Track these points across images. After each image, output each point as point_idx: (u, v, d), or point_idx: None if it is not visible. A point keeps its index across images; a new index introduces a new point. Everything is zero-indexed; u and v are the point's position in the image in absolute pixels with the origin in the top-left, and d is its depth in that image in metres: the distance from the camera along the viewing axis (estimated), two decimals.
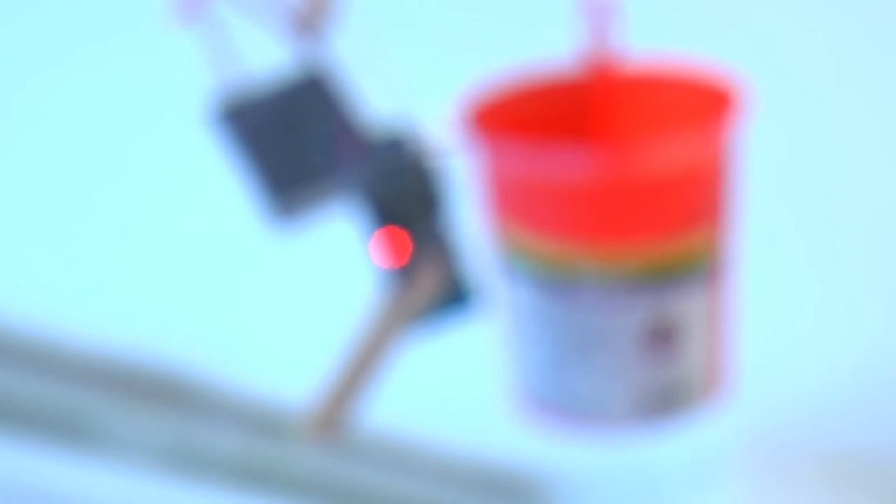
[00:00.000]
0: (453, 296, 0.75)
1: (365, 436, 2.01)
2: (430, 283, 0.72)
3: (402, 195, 0.72)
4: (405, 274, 0.72)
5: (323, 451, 1.94)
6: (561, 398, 0.76)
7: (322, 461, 1.96)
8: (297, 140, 0.81)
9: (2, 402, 1.75)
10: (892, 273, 1.63)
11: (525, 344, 0.76)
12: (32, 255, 1.60)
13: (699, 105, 0.78)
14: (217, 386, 1.87)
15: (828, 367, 1.82)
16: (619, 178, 0.70)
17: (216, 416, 1.89)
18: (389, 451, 2.04)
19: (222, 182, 1.48)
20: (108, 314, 1.71)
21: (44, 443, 1.77)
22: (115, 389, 1.81)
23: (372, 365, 0.72)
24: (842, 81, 1.35)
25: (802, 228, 1.57)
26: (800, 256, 1.62)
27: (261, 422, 1.92)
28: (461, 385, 1.87)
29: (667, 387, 0.75)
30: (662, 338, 0.74)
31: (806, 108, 1.39)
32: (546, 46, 1.28)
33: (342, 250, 1.57)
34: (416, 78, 1.31)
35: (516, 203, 0.73)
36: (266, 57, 1.16)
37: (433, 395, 1.91)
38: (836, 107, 1.39)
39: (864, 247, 1.60)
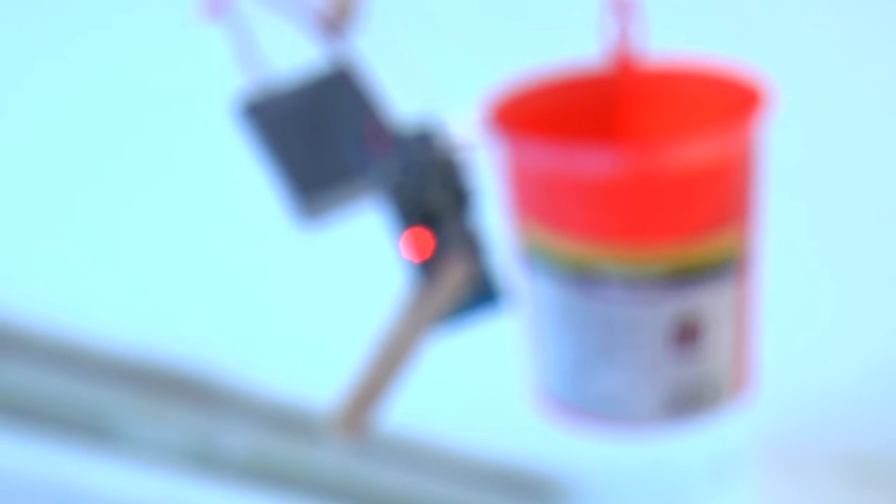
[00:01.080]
0: (481, 292, 0.74)
1: (387, 434, 2.00)
2: (457, 279, 0.72)
3: (430, 189, 0.72)
4: (432, 270, 0.72)
5: (345, 451, 1.94)
6: (584, 397, 0.75)
7: (344, 460, 1.96)
8: (322, 136, 0.80)
9: (26, 400, 1.76)
10: None
11: (548, 342, 0.76)
12: (57, 256, 1.60)
13: (724, 100, 0.77)
14: (239, 385, 1.88)
15: (844, 367, 1.82)
16: (644, 175, 0.70)
17: (238, 415, 1.89)
18: (412, 450, 2.04)
19: (246, 181, 1.48)
20: (131, 314, 1.72)
21: (67, 440, 1.78)
22: (138, 388, 1.82)
23: (398, 363, 0.71)
24: (858, 82, 1.35)
25: (817, 228, 1.56)
26: (815, 256, 1.61)
27: (283, 421, 1.92)
28: (482, 384, 1.87)
29: (694, 385, 0.74)
30: (690, 335, 0.73)
31: (823, 108, 1.39)
32: (571, 48, 1.28)
33: (368, 247, 1.57)
34: (441, 79, 1.31)
35: (538, 202, 0.73)
36: (293, 53, 1.16)
37: (455, 393, 1.90)
38: (852, 106, 1.39)
39: (880, 246, 1.59)
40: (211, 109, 1.36)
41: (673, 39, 1.26)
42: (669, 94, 0.79)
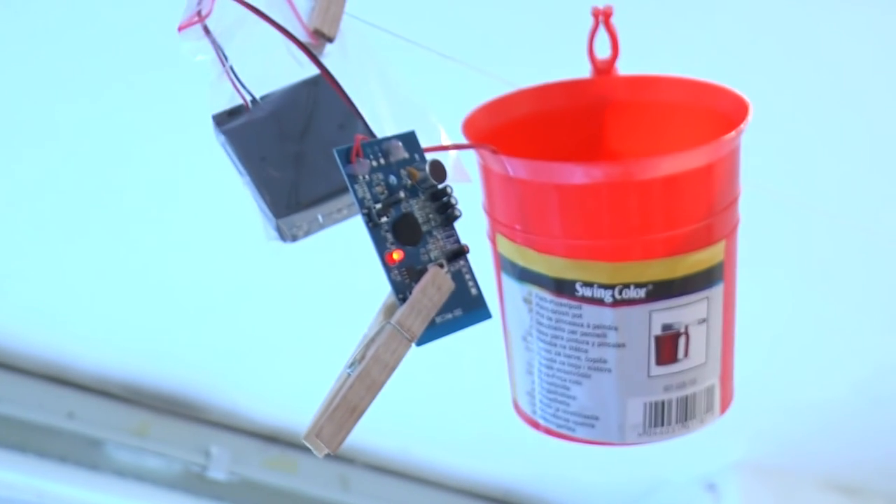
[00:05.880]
0: (462, 303, 0.73)
1: (373, 458, 1.99)
2: (440, 289, 0.71)
3: (411, 199, 0.72)
4: (414, 281, 0.71)
5: (337, 475, 1.93)
6: (562, 416, 0.75)
7: (336, 485, 1.95)
8: (302, 147, 0.77)
9: (20, 423, 1.76)
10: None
11: (528, 360, 0.75)
12: (46, 276, 1.60)
13: (706, 104, 0.77)
14: (231, 409, 1.87)
15: (831, 385, 1.82)
16: (625, 187, 0.69)
17: (230, 439, 1.88)
18: (398, 474, 2.02)
19: (225, 201, 1.48)
20: (122, 336, 1.71)
21: (57, 463, 1.77)
22: (128, 411, 1.81)
23: (375, 377, 0.71)
24: (839, 89, 1.35)
25: (801, 243, 1.57)
26: (796, 272, 1.62)
27: (275, 444, 1.91)
28: (466, 404, 1.86)
29: (680, 401, 0.74)
30: (675, 350, 0.72)
31: (803, 119, 1.39)
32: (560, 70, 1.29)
33: (354, 265, 1.56)
34: (424, 98, 1.31)
35: (516, 214, 0.72)
36: (272, 72, 1.16)
37: (440, 414, 1.90)
38: (836, 113, 1.39)
39: (865, 259, 1.60)
40: (192, 130, 1.35)
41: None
42: (650, 98, 0.79)
